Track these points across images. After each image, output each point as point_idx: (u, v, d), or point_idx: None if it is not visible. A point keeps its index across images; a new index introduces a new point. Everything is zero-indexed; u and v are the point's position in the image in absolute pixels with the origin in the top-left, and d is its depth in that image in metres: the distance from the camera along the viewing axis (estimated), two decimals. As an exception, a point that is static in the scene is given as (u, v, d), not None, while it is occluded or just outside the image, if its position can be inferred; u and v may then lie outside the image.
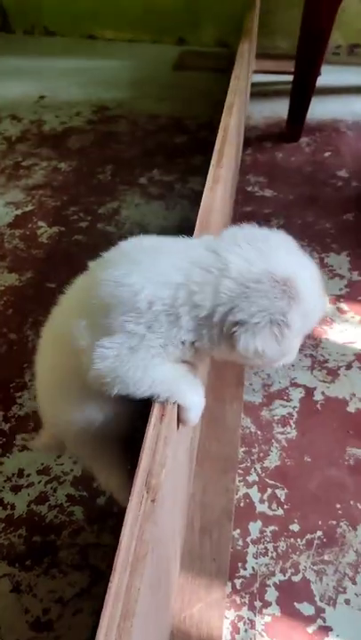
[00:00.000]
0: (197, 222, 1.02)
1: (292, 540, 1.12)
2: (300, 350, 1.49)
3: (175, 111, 2.64)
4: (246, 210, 2.00)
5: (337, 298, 1.65)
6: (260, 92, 2.75)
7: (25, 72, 3.04)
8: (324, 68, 2.68)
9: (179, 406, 0.77)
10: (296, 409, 1.35)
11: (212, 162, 1.27)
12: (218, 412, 1.33)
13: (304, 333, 0.81)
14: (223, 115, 1.50)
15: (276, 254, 0.74)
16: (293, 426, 1.32)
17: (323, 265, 1.76)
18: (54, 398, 0.92)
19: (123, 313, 0.75)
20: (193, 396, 0.78)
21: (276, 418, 1.34)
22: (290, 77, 2.34)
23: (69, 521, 1.15)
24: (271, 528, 1.13)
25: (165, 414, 0.75)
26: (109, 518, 1.15)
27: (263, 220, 1.94)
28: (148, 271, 0.76)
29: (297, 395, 1.39)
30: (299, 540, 1.12)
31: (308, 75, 2.28)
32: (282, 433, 1.30)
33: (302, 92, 2.31)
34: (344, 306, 1.62)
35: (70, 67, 3.07)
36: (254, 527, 1.14)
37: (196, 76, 2.96)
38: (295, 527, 1.13)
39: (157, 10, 3.15)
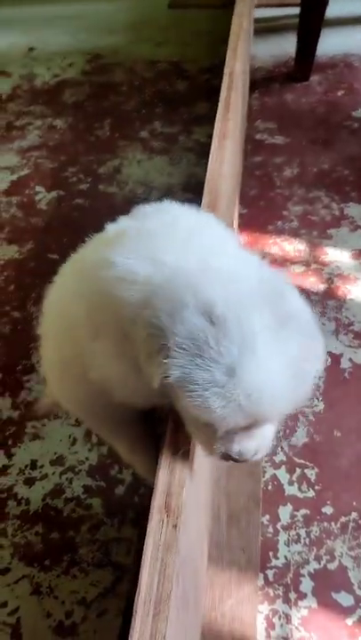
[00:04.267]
0: (205, 190, 0.90)
1: (325, 523, 1.05)
2: (324, 313, 1.39)
3: (174, 55, 2.46)
4: (257, 160, 1.86)
5: (360, 252, 1.53)
6: (264, 29, 2.53)
7: (12, 21, 2.85)
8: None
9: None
10: (322, 379, 1.26)
11: (218, 114, 1.14)
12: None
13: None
14: (227, 58, 1.35)
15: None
16: (320, 398, 1.23)
17: (343, 216, 1.64)
18: (60, 377, 0.84)
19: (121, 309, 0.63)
20: None
21: (301, 390, 1.25)
22: (296, 10, 2.15)
23: (88, 515, 1.08)
24: (303, 512, 1.06)
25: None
26: (130, 509, 1.08)
27: (276, 171, 1.81)
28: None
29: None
30: (333, 523, 1.04)
31: (315, 4, 2.10)
32: (308, 406, 1.22)
33: (310, 24, 2.11)
34: (368, 261, 1.51)
35: (59, 13, 2.86)
36: (284, 512, 1.07)
37: (193, 15, 2.75)
38: (328, 509, 1.06)
39: None
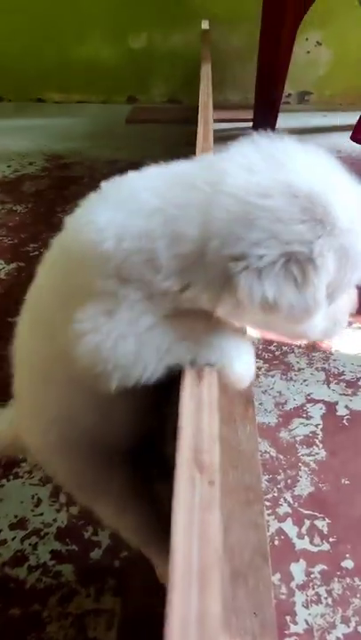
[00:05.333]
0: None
1: (347, 579, 0.87)
2: (310, 364, 1.29)
3: (133, 157, 2.53)
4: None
5: (339, 310, 1.47)
6: (220, 138, 2.67)
7: (-29, 132, 2.91)
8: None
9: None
10: (320, 426, 1.13)
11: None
12: (229, 436, 1.10)
13: (348, 286, 0.54)
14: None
15: (298, 163, 0.51)
16: (320, 445, 1.10)
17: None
18: (34, 393, 0.68)
19: (89, 264, 0.53)
20: (230, 344, 0.54)
21: (298, 438, 1.11)
22: (247, 124, 2.31)
23: (57, 584, 0.87)
24: (319, 568, 0.89)
25: (203, 377, 0.53)
26: (109, 576, 0.88)
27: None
28: (117, 201, 0.55)
29: (317, 411, 1.17)
30: (356, 579, 0.87)
31: (268, 118, 2.31)
32: (308, 454, 1.08)
33: (264, 129, 2.26)
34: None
35: (20, 125, 2.95)
36: (297, 569, 0.89)
37: (150, 128, 2.89)
38: (348, 563, 0.89)
39: (106, 70, 3.11)
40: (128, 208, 0.54)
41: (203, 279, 0.51)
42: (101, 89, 3.21)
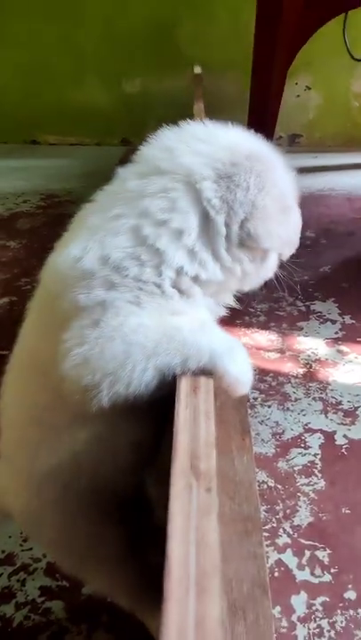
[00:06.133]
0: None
1: (351, 611, 0.83)
2: (308, 394, 1.27)
3: (126, 196, 2.56)
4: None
5: (334, 341, 1.46)
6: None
7: (-35, 173, 2.94)
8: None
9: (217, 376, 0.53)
10: (318, 456, 1.11)
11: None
12: (226, 466, 1.07)
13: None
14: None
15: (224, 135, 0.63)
16: (319, 475, 1.07)
17: (310, 312, 1.59)
18: (28, 445, 0.65)
19: (71, 283, 0.56)
20: (222, 345, 0.53)
21: (296, 468, 1.08)
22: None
23: (46, 621, 0.83)
24: (321, 599, 0.85)
25: (199, 386, 0.52)
26: (102, 612, 0.84)
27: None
28: (87, 227, 0.60)
29: (315, 441, 1.14)
30: (360, 610, 0.83)
31: None
32: (307, 484, 1.05)
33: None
34: (344, 348, 1.43)
35: (13, 166, 2.99)
36: (298, 601, 0.85)
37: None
38: (351, 594, 0.85)
39: (99, 113, 3.19)
40: (109, 227, 0.58)
41: (213, 256, 0.59)
42: (96, 131, 3.28)
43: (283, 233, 0.62)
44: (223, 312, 0.66)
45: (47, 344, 0.57)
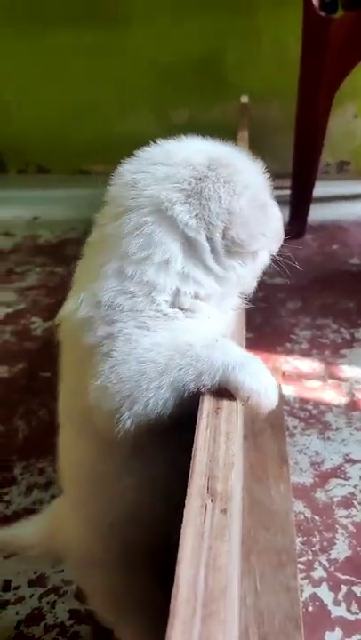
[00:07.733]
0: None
1: (389, 653, 0.79)
2: (349, 424, 1.24)
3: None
4: (259, 295, 1.83)
5: (378, 369, 1.42)
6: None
7: (18, 200, 3.02)
8: (316, 185, 2.69)
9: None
10: (358, 487, 1.07)
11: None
12: (262, 495, 1.05)
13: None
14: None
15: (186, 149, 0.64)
16: (359, 507, 1.03)
17: (354, 339, 1.56)
18: (92, 497, 0.66)
19: (79, 336, 0.58)
20: (235, 359, 0.51)
21: (335, 500, 1.05)
22: (285, 192, 2.36)
23: (74, 645, 0.82)
24: (357, 637, 0.81)
25: (221, 407, 0.51)
26: (130, 639, 0.82)
27: (279, 304, 1.77)
28: (82, 275, 0.63)
29: (356, 472, 1.11)
30: None
31: (305, 185, 2.36)
32: (346, 516, 1.01)
33: (302, 195, 2.33)
34: (389, 376, 1.39)
35: (64, 195, 3.07)
36: (333, 638, 0.82)
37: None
38: (390, 635, 0.81)
39: (147, 143, 3.24)
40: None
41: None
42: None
43: (266, 230, 0.61)
44: (234, 312, 0.68)
45: (79, 396, 0.57)
